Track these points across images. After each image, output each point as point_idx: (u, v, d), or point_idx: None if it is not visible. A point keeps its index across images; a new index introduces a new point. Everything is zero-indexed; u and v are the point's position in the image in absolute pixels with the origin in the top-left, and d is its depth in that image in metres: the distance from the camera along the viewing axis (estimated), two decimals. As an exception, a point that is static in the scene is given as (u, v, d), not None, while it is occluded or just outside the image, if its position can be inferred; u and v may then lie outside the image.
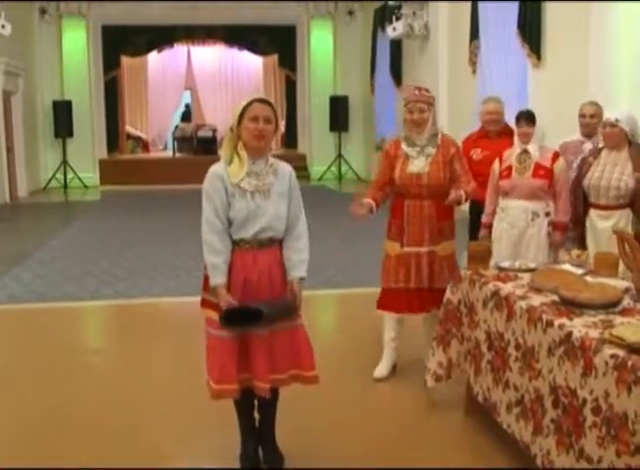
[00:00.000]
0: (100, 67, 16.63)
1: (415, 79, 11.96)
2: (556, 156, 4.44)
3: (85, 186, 15.95)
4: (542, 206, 4.40)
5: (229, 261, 2.89)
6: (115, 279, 6.97)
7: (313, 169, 17.17)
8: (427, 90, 4.10)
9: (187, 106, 21.33)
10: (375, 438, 3.49)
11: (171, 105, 20.85)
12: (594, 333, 2.54)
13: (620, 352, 2.34)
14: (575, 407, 2.52)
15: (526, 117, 4.45)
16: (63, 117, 15.65)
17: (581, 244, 4.28)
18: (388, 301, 4.19)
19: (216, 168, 2.94)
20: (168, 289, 6.57)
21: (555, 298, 2.94)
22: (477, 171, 4.95)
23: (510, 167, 4.47)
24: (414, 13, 12.15)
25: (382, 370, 4.24)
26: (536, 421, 2.81)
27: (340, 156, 16.98)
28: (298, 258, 2.97)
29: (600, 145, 4.37)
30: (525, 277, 3.35)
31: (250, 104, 2.89)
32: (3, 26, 11.91)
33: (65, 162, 15.91)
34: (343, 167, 17.00)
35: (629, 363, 2.27)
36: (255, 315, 2.79)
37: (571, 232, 4.42)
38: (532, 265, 3.60)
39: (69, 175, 15.92)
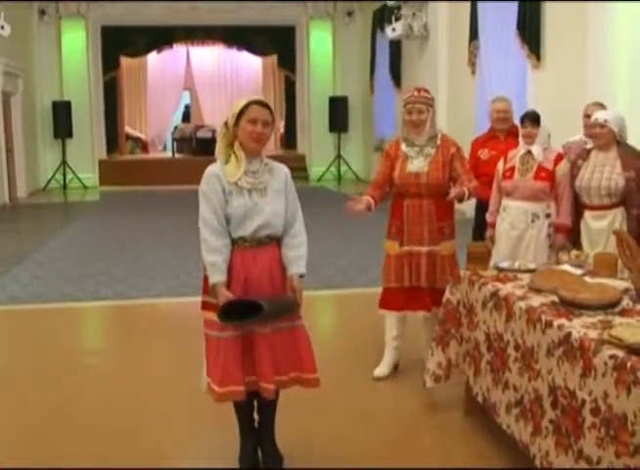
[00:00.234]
0: (99, 67, 16.63)
1: (414, 80, 11.97)
2: (559, 158, 4.43)
3: (84, 187, 15.95)
4: (543, 207, 4.39)
5: (229, 261, 2.90)
6: (115, 280, 6.97)
7: (312, 170, 17.18)
8: (426, 91, 4.10)
9: (186, 106, 21.35)
10: (375, 438, 3.49)
11: (171, 105, 20.85)
12: (593, 334, 2.54)
13: (620, 353, 2.34)
14: (575, 408, 2.52)
15: (531, 118, 4.43)
16: (62, 117, 15.65)
17: (576, 245, 4.27)
18: (390, 300, 4.20)
19: (213, 168, 2.95)
20: (168, 289, 6.57)
21: (554, 298, 2.94)
22: (483, 171, 4.96)
23: (513, 168, 4.47)
24: (413, 13, 12.15)
25: (382, 369, 4.25)
26: (535, 422, 2.81)
27: (339, 156, 16.97)
28: (295, 254, 2.97)
29: (589, 146, 4.38)
30: (525, 278, 3.35)
31: (248, 105, 2.90)
32: (2, 27, 11.90)
33: (64, 162, 15.92)
34: (343, 168, 17.00)
35: (628, 364, 2.27)
36: (254, 309, 2.77)
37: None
38: (532, 266, 3.61)
39: (69, 176, 15.92)
